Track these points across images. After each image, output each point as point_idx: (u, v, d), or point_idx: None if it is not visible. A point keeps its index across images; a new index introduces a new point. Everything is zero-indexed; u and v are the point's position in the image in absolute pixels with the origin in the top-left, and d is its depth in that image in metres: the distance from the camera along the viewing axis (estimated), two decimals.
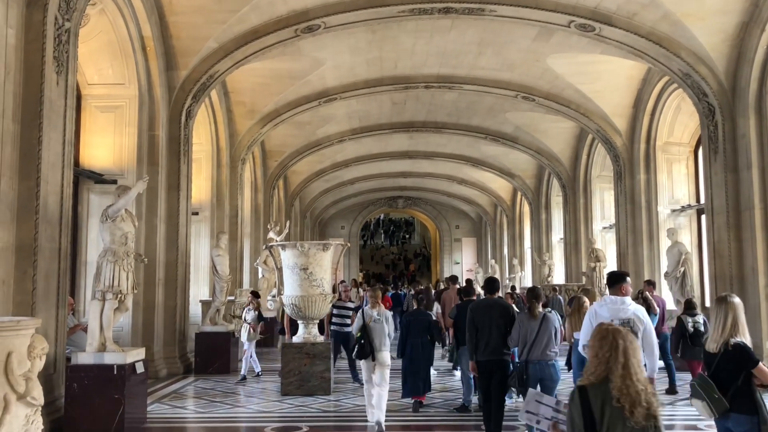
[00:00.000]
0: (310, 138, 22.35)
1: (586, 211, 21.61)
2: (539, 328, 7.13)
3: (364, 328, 8.67)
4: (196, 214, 15.74)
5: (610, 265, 18.35)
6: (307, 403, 10.04)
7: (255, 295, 13.84)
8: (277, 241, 14.17)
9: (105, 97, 12.33)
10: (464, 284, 12.17)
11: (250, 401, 10.42)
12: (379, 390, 8.38)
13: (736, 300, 4.87)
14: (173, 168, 13.26)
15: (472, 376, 8.97)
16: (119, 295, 8.17)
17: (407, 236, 58.66)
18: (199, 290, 15.74)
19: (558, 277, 23.35)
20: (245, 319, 13.06)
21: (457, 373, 11.50)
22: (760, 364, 4.67)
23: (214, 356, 13.18)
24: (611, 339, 3.37)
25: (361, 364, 8.91)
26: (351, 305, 12.46)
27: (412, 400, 9.63)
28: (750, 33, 11.95)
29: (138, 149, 12.35)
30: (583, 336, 6.42)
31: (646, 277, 16.31)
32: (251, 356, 12.75)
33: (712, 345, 4.83)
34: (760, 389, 4.70)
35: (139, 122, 12.42)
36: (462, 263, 43.67)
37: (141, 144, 12.44)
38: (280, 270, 11.69)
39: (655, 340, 6.33)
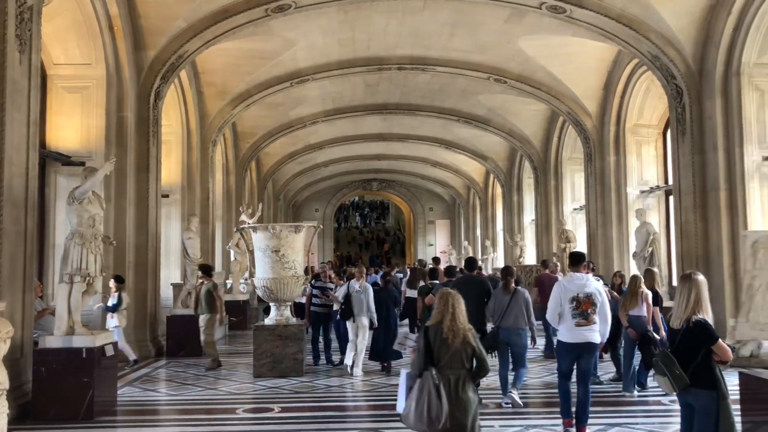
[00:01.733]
0: (282, 119, 22.17)
1: (556, 192, 21.81)
2: (510, 300, 8.58)
3: (348, 297, 10.99)
4: (167, 196, 15.56)
5: (580, 245, 18.58)
6: (279, 385, 10.07)
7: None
8: (249, 223, 14.04)
9: (72, 77, 12.09)
10: (446, 265, 12.39)
11: (221, 384, 10.41)
12: (359, 346, 10.88)
13: (700, 277, 4.95)
14: (142, 150, 13.09)
15: None
16: (87, 278, 8.10)
17: (382, 219, 58.74)
18: (170, 273, 15.62)
19: (529, 258, 23.59)
20: (109, 306, 11.36)
21: None
22: (720, 340, 4.75)
23: (185, 339, 13.14)
24: (446, 299, 5.28)
25: (348, 325, 11.12)
26: (331, 285, 12.47)
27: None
28: (717, 16, 12.09)
29: (106, 131, 12.16)
30: (551, 306, 7.26)
31: (616, 258, 16.64)
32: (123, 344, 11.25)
33: (675, 321, 4.93)
34: (720, 365, 4.81)
35: (107, 103, 12.21)
36: (436, 245, 43.89)
37: (109, 125, 12.24)
38: (251, 252, 11.66)
39: (609, 311, 7.21)
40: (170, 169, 16.20)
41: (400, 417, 5.15)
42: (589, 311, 7.02)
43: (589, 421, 7.24)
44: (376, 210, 59.02)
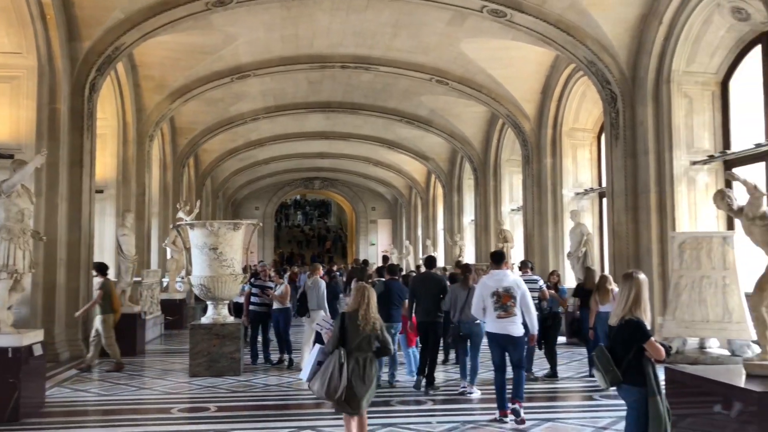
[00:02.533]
0: (222, 115, 21.82)
1: (495, 193, 22.17)
2: (468, 295, 9.03)
3: (303, 293, 11.40)
4: (101, 192, 15.15)
5: (518, 245, 18.96)
6: (216, 384, 9.94)
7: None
8: (186, 221, 13.78)
9: (0, 66, 11.63)
10: (390, 264, 12.48)
11: (156, 383, 10.20)
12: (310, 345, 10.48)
13: (641, 277, 5.03)
14: (76, 143, 12.68)
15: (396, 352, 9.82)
16: (15, 275, 7.81)
17: (324, 218, 58.53)
18: None
19: (468, 257, 23.92)
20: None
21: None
22: (652, 339, 4.83)
23: (119, 338, 12.73)
24: (362, 291, 6.08)
25: (305, 323, 11.61)
26: (271, 284, 12.35)
27: None
28: (649, 25, 12.53)
29: (37, 123, 11.73)
30: (475, 302, 7.92)
31: (551, 257, 17.04)
32: None
33: (613, 319, 5.06)
34: (657, 363, 4.90)
35: (38, 94, 11.79)
36: (377, 244, 44.00)
37: (41, 117, 11.82)
38: (188, 250, 11.45)
39: (530, 302, 7.76)
40: (105, 163, 15.80)
41: (308, 384, 6.05)
42: (508, 304, 7.57)
43: (523, 416, 7.43)
44: (319, 208, 58.80)
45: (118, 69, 15.42)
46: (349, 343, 5.85)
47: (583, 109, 17.00)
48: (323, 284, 11.49)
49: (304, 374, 6.06)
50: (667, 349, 4.89)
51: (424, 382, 9.48)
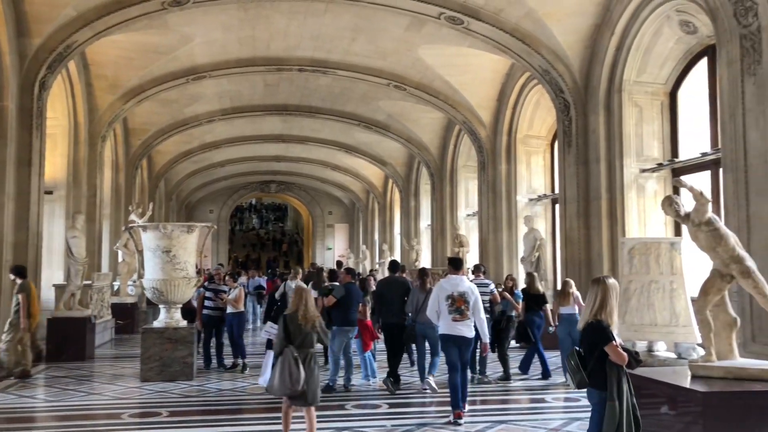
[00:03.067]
0: (177, 117, 21.49)
1: (451, 198, 22.37)
2: (425, 298, 9.27)
3: (284, 295, 11.91)
4: (50, 193, 14.78)
5: (473, 250, 19.15)
6: (168, 389, 9.77)
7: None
8: (138, 223, 13.52)
9: None
10: (348, 268, 12.47)
11: (105, 388, 9.97)
12: None
13: (610, 281, 5.03)
14: (24, 142, 12.33)
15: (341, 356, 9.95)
16: None
17: (280, 222, 58.07)
18: (52, 274, 14.78)
19: (425, 261, 24.06)
20: None
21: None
22: (613, 343, 4.83)
23: (68, 343, 12.50)
24: (300, 294, 6.59)
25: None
26: (225, 288, 12.19)
27: None
28: (602, 35, 12.83)
29: None
30: (431, 305, 8.21)
31: (506, 262, 17.28)
32: None
33: (580, 323, 5.12)
34: (625, 367, 4.87)
35: None
36: (334, 249, 43.86)
37: None
38: (141, 252, 11.24)
39: (482, 309, 8.17)
40: (55, 163, 15.41)
41: (266, 388, 6.44)
42: (462, 307, 7.94)
43: (477, 419, 7.53)
44: (275, 212, 58.31)
45: (69, 67, 15.07)
46: (294, 341, 6.30)
47: (538, 116, 17.30)
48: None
49: (264, 379, 6.46)
50: (633, 355, 4.87)
51: (392, 380, 9.73)
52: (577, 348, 5.08)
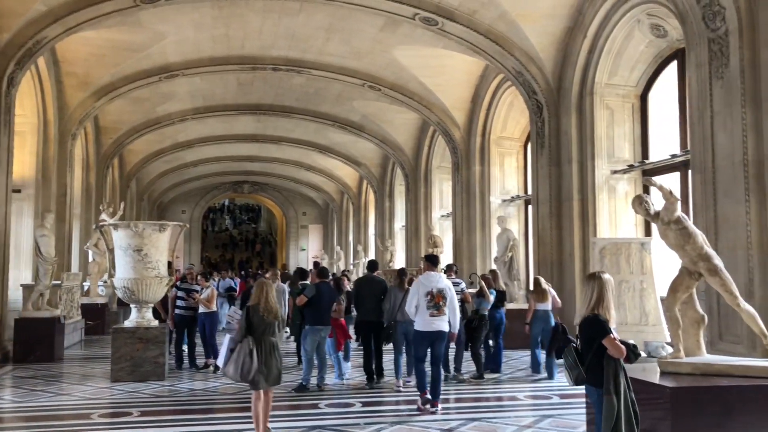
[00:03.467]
0: (149, 115, 21.26)
1: (426, 199, 22.45)
2: (403, 297, 9.44)
3: None
4: (19, 191, 14.51)
5: (447, 250, 19.23)
6: (139, 389, 9.65)
7: None
8: (109, 222, 13.34)
9: None
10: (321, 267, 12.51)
11: (75, 389, 9.81)
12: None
13: (605, 276, 5.02)
14: None
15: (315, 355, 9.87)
16: None
17: (254, 223, 57.65)
18: (20, 274, 14.51)
19: (399, 262, 24.09)
20: None
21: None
22: (610, 335, 4.80)
23: (36, 343, 12.28)
24: (261, 286, 6.91)
25: None
26: (197, 287, 12.09)
27: None
28: (574, 38, 12.99)
29: None
30: (410, 300, 8.43)
31: (479, 262, 17.39)
32: None
33: (577, 318, 5.13)
34: (623, 361, 4.86)
35: None
36: (308, 250, 43.71)
37: None
38: (112, 251, 11.09)
39: (457, 305, 8.64)
40: (24, 162, 15.14)
41: (222, 371, 6.85)
42: (440, 303, 8.22)
43: (451, 416, 7.57)
44: (248, 213, 57.88)
45: (39, 64, 14.83)
46: (256, 331, 6.68)
47: (511, 118, 17.45)
48: (285, 289, 12.49)
49: (220, 361, 6.85)
50: (632, 348, 4.86)
51: (375, 376, 10.10)
52: (574, 344, 5.06)
